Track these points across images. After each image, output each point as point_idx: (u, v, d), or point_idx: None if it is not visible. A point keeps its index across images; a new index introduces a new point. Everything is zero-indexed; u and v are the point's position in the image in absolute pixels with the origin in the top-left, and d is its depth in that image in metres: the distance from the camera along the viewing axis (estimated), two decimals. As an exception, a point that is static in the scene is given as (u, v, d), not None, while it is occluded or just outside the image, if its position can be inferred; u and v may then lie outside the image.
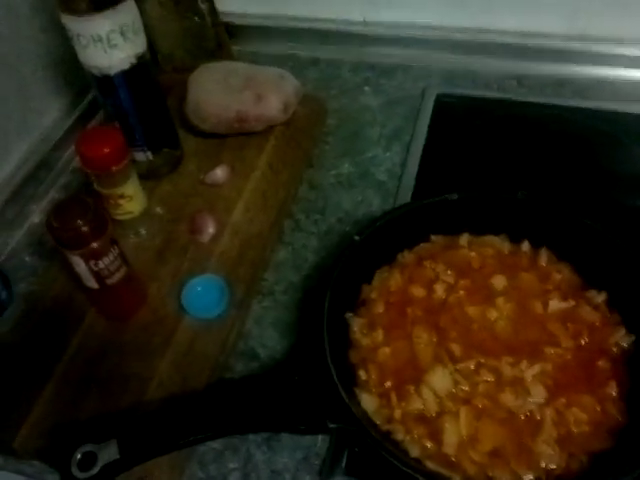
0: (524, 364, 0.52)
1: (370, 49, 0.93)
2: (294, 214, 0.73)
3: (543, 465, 0.48)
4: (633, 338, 0.54)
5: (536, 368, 0.52)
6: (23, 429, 0.55)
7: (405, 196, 0.73)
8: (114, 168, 0.62)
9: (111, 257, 0.57)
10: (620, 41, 0.84)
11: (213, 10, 0.88)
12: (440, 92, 0.85)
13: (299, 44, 0.95)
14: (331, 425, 0.50)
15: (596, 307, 0.56)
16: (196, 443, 0.52)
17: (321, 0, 0.92)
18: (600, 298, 0.57)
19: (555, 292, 0.57)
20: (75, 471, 0.47)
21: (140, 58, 0.66)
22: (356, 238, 0.59)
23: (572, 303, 0.56)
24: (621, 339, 0.54)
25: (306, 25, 0.94)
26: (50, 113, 0.83)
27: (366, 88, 0.88)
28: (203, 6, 0.86)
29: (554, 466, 0.48)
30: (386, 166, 0.77)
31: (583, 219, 0.59)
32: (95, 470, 0.47)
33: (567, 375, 0.52)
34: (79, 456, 0.48)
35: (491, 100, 0.84)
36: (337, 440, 0.55)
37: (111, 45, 0.63)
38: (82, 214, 0.54)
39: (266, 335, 0.63)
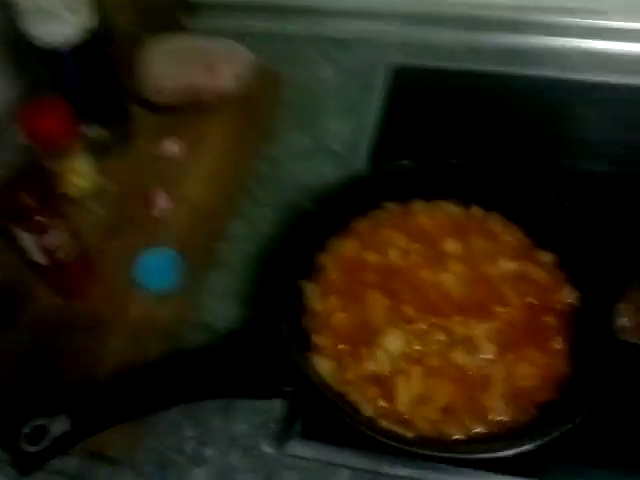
0: (474, 322, 0.53)
1: (326, 22, 0.92)
2: (249, 187, 0.73)
3: (494, 418, 0.49)
4: (578, 294, 0.55)
5: (486, 326, 0.53)
6: (-30, 406, 0.54)
7: (360, 166, 0.73)
8: (61, 141, 0.61)
9: (58, 231, 0.56)
10: (572, 11, 0.85)
11: (165, -17, 0.86)
12: (396, 63, 0.85)
13: (255, 19, 0.94)
14: (286, 388, 0.50)
15: (544, 267, 0.58)
16: (150, 413, 0.52)
17: (276, -27, 0.91)
18: (548, 257, 0.58)
19: (504, 254, 0.58)
20: (24, 445, 0.47)
21: (89, 31, 0.64)
22: (309, 206, 0.59)
23: (521, 264, 0.58)
24: (566, 296, 0.56)
25: (262, 0, 0.93)
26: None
27: (322, 60, 0.88)
28: (156, -20, 0.85)
29: (504, 418, 0.49)
30: (341, 137, 0.77)
31: (531, 182, 0.60)
32: (46, 443, 0.47)
33: (516, 332, 0.54)
34: (28, 430, 0.47)
35: (446, 71, 0.85)
36: (292, 404, 0.55)
37: (58, 17, 0.61)
38: (26, 187, 0.54)
39: (221, 306, 0.63)
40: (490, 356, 0.52)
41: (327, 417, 0.49)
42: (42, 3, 0.60)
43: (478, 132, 0.76)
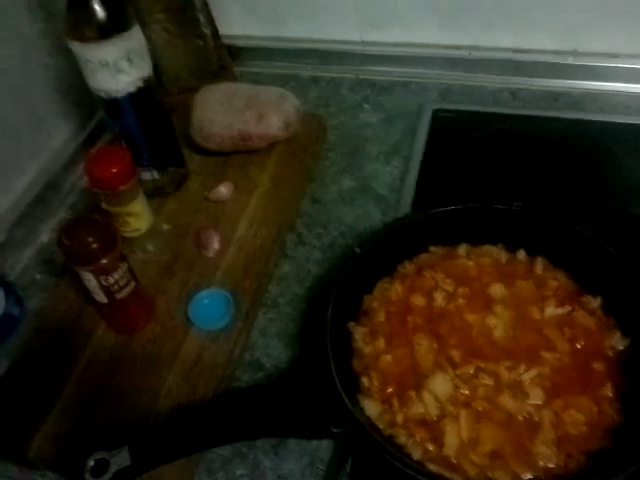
0: (522, 368, 0.54)
1: (368, 67, 0.96)
2: (297, 228, 0.75)
3: (542, 465, 0.49)
4: (628, 341, 0.56)
5: (534, 371, 0.54)
6: (36, 440, 0.57)
7: (405, 209, 0.75)
8: (121, 187, 0.64)
9: (120, 272, 0.59)
10: (613, 56, 0.86)
11: (216, 33, 0.91)
12: (437, 107, 0.88)
13: (299, 64, 0.98)
14: (335, 430, 0.51)
15: (591, 312, 0.58)
16: (204, 449, 0.54)
17: (320, 21, 0.95)
18: (595, 303, 0.58)
19: (551, 298, 0.59)
20: (88, 477, 0.49)
21: (146, 81, 0.68)
22: (357, 250, 0.61)
23: (568, 308, 0.58)
24: (616, 342, 0.56)
25: (306, 46, 0.97)
26: (59, 135, 0.85)
27: (365, 105, 0.91)
28: (206, 30, 0.89)
29: (552, 465, 0.49)
30: (386, 180, 0.80)
31: (577, 227, 0.61)
32: (107, 476, 0.49)
33: (564, 378, 0.54)
34: (92, 463, 0.49)
35: (487, 114, 0.87)
36: (341, 445, 0.56)
37: (118, 70, 0.65)
38: (92, 231, 0.57)
39: (271, 346, 0.65)
40: (538, 402, 0.52)
41: (375, 460, 0.50)
42: (109, 59, 0.64)
43: (521, 175, 0.77)
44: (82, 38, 0.63)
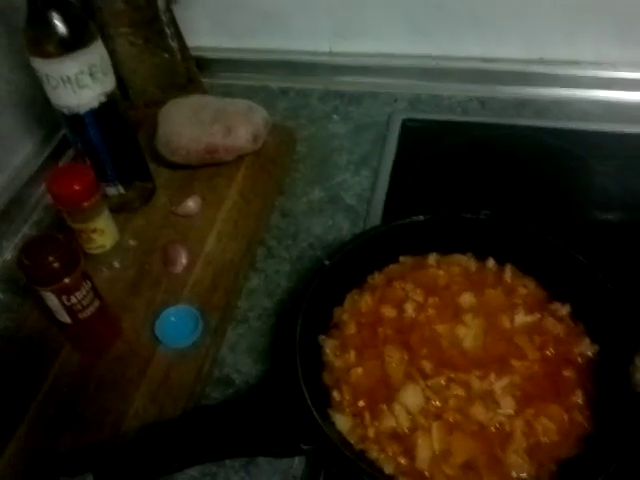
0: (492, 377, 0.54)
1: (338, 78, 0.96)
2: (266, 241, 0.75)
3: (514, 475, 0.49)
4: (597, 347, 0.56)
5: (504, 380, 0.53)
6: (-1, 466, 0.55)
7: (374, 219, 0.74)
8: (85, 204, 0.63)
9: (83, 291, 0.58)
10: (577, 63, 0.87)
11: (183, 46, 0.90)
12: (406, 117, 0.88)
13: (268, 75, 0.98)
14: (305, 447, 0.50)
15: (560, 319, 0.58)
16: (172, 472, 0.52)
17: (289, 32, 0.95)
18: (564, 310, 0.58)
19: (520, 306, 0.59)
20: (50, 506, 0.47)
21: (109, 96, 0.67)
22: (326, 262, 0.61)
23: (537, 316, 0.58)
24: (586, 349, 0.56)
25: (275, 57, 0.97)
26: (21, 151, 0.83)
27: (334, 116, 0.91)
28: (173, 43, 0.88)
29: (524, 475, 0.49)
30: (355, 191, 0.79)
31: (545, 235, 0.61)
32: (71, 504, 0.47)
33: (535, 386, 0.53)
34: (54, 490, 0.48)
35: (455, 123, 0.87)
36: (313, 462, 0.55)
37: (80, 85, 0.64)
38: (53, 250, 0.55)
39: (241, 361, 0.64)
40: (510, 411, 0.52)
41: (347, 476, 0.49)
42: (70, 74, 0.63)
43: (489, 184, 0.77)
44: (42, 54, 0.62)
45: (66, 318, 0.59)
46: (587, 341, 0.56)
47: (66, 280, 0.56)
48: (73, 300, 0.57)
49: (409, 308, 0.60)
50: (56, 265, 0.55)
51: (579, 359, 0.55)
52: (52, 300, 0.57)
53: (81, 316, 0.59)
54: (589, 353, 0.56)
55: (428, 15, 0.88)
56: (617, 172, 0.77)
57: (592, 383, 0.54)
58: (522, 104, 0.88)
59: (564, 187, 0.77)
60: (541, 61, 0.89)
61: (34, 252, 0.55)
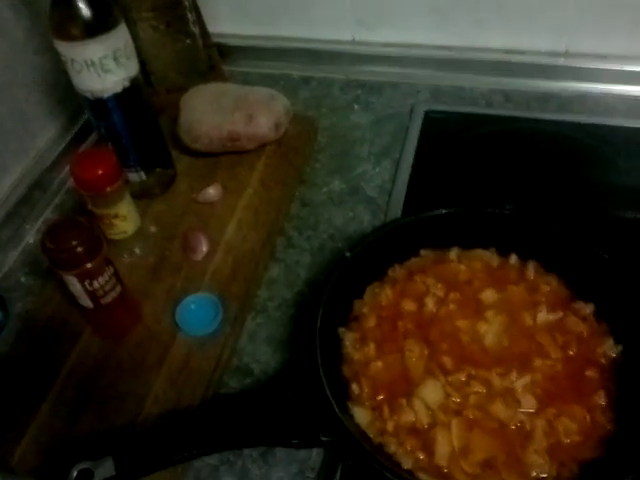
0: (514, 375, 0.53)
1: (360, 67, 0.95)
2: (286, 231, 0.74)
3: (534, 474, 0.49)
4: (620, 348, 0.55)
5: (526, 379, 0.53)
6: (20, 448, 0.56)
7: (395, 212, 0.74)
8: (108, 189, 0.63)
9: (106, 277, 0.58)
10: (603, 57, 0.86)
11: (205, 32, 0.89)
12: (428, 108, 0.87)
13: (290, 64, 0.97)
14: (324, 438, 0.50)
15: (584, 318, 0.57)
16: (191, 459, 0.53)
17: (311, 20, 0.94)
18: (588, 309, 0.58)
19: (543, 304, 0.58)
20: (71, 489, 0.48)
21: (132, 81, 0.67)
22: (347, 254, 0.60)
23: (560, 314, 0.58)
24: (609, 349, 0.55)
25: (297, 45, 0.96)
26: (45, 135, 0.84)
27: (356, 106, 0.90)
28: (195, 29, 0.88)
29: (545, 475, 0.49)
30: (376, 182, 0.79)
31: (569, 232, 0.60)
32: (92, 487, 0.48)
33: (556, 385, 0.53)
34: (75, 473, 0.48)
35: (478, 115, 0.86)
36: (331, 454, 0.55)
37: (104, 69, 0.64)
38: (76, 235, 0.55)
39: (260, 351, 0.64)
40: (530, 410, 0.51)
41: (365, 469, 0.49)
42: (95, 58, 0.63)
43: (512, 178, 0.76)
44: (67, 37, 0.62)
45: (88, 303, 0.59)
46: (610, 341, 0.55)
47: (89, 265, 0.56)
48: (95, 285, 0.57)
49: (430, 302, 0.59)
50: (79, 249, 0.55)
51: (602, 359, 0.55)
52: (74, 285, 0.57)
53: (103, 301, 0.59)
54: (612, 354, 0.55)
55: (452, 5, 0.87)
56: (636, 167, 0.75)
57: (615, 384, 0.53)
58: (546, 98, 0.87)
59: (588, 183, 0.76)
60: (567, 54, 0.87)
61: (58, 236, 0.56)
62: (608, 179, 0.76)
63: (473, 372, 0.54)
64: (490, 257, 0.63)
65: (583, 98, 0.86)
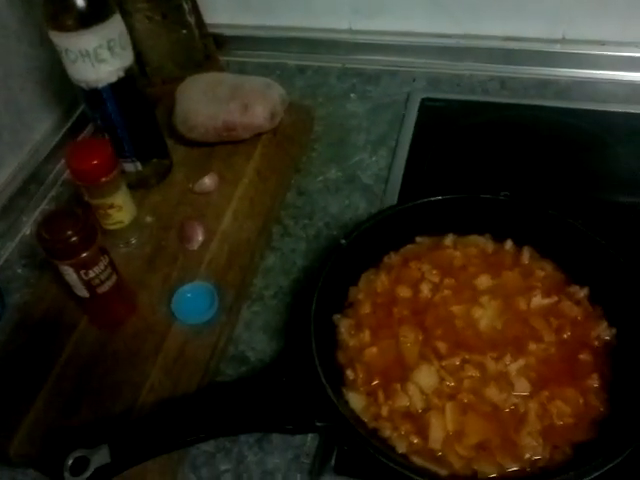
0: (508, 358, 0.54)
1: (356, 56, 0.94)
2: (282, 220, 0.75)
3: (528, 457, 0.49)
4: (614, 331, 0.55)
5: (520, 362, 0.53)
6: (17, 437, 0.56)
7: (391, 199, 0.74)
8: (103, 179, 0.63)
9: (101, 266, 0.58)
10: (601, 43, 0.85)
11: (200, 22, 0.89)
12: (425, 96, 0.87)
13: (286, 53, 0.97)
14: (319, 424, 0.51)
15: (578, 302, 0.57)
16: (187, 445, 0.53)
17: (307, 9, 0.94)
18: (582, 293, 0.58)
19: (538, 289, 0.58)
20: (68, 476, 0.48)
21: (127, 71, 0.67)
22: (342, 242, 0.61)
23: (555, 299, 0.58)
24: (603, 332, 0.55)
25: (293, 34, 0.96)
26: (40, 127, 0.84)
27: (352, 95, 0.90)
28: (190, 19, 0.88)
29: (538, 457, 0.49)
30: (372, 170, 0.79)
31: (564, 217, 0.60)
32: (87, 474, 0.48)
33: (550, 369, 0.53)
34: (71, 461, 0.48)
35: (475, 103, 0.86)
36: (326, 439, 0.56)
37: (99, 60, 0.64)
38: (71, 225, 0.55)
39: (256, 339, 0.64)
40: (524, 393, 0.52)
41: (360, 453, 0.50)
42: (89, 48, 0.63)
43: (509, 165, 0.76)
44: (61, 27, 0.62)
45: (84, 292, 0.59)
46: (604, 324, 0.56)
47: (84, 254, 0.56)
48: (91, 274, 0.58)
49: (425, 289, 0.59)
50: (74, 239, 0.55)
51: (596, 342, 0.55)
52: (70, 274, 0.57)
53: (99, 290, 0.59)
54: (606, 337, 0.55)
55: (449, -8, 0.87)
56: (632, 153, 0.75)
57: (609, 367, 0.53)
58: (543, 84, 0.87)
59: (585, 169, 0.76)
60: (564, 40, 0.87)
61: (53, 226, 0.56)
62: (606, 165, 0.76)
63: (467, 356, 0.54)
64: (485, 243, 0.63)
65: (580, 84, 0.86)
